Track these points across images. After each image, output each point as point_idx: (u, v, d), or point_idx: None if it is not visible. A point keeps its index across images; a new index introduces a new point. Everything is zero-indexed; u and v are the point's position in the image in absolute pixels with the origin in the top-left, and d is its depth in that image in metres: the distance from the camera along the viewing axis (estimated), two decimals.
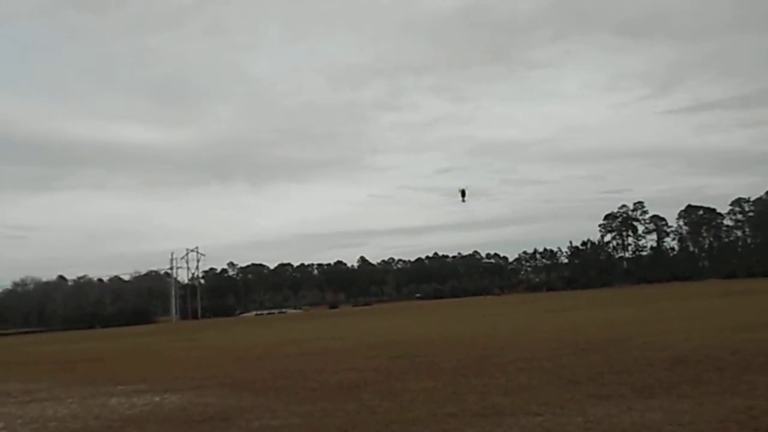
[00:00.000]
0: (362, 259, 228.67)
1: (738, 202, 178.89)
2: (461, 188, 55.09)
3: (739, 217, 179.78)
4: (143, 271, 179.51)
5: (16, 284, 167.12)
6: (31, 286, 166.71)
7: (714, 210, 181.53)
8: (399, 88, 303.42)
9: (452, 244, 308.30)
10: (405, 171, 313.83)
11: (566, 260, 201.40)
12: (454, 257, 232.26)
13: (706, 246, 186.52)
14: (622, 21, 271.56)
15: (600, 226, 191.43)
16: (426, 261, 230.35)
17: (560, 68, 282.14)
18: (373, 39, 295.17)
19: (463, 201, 54.78)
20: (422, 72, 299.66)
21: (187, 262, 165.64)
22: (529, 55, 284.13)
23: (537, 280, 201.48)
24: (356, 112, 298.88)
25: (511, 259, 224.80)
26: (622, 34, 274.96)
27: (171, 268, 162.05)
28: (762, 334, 24.46)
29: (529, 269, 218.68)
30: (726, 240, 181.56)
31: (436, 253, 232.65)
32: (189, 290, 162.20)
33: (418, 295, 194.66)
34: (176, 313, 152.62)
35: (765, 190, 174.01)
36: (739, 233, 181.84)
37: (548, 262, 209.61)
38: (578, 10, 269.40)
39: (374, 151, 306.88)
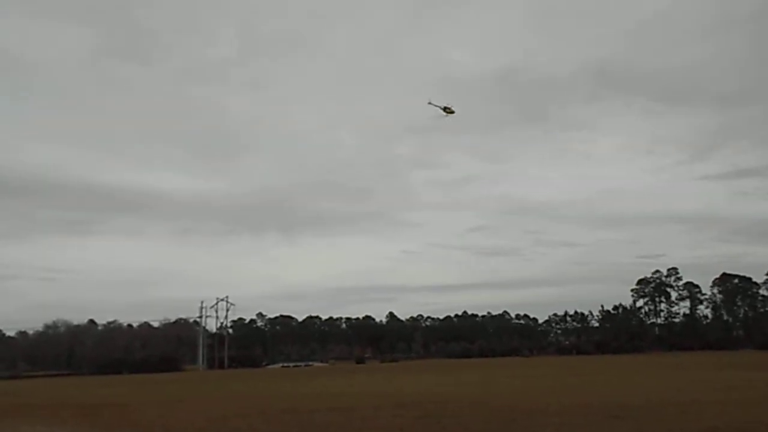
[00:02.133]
0: (391, 315, 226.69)
1: None
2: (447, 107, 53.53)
3: None
4: (173, 319, 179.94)
5: (47, 326, 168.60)
6: (62, 329, 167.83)
7: (750, 279, 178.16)
8: (434, 145, 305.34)
9: (482, 303, 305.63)
10: (437, 228, 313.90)
11: (597, 324, 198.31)
12: (483, 316, 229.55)
13: (740, 315, 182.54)
14: (659, 85, 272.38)
15: (632, 290, 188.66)
16: (455, 319, 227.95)
17: (596, 131, 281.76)
18: (410, 96, 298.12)
19: (445, 111, 53.56)
20: (457, 130, 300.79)
21: (216, 311, 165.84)
22: (565, 117, 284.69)
23: (567, 342, 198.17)
24: (391, 169, 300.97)
25: (541, 321, 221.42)
26: (659, 98, 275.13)
27: (200, 317, 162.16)
28: None
29: (559, 331, 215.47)
30: (762, 310, 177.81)
31: (465, 312, 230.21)
32: (217, 339, 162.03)
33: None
34: (203, 362, 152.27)
35: None
36: None
37: (579, 325, 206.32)
38: (614, 73, 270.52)
39: (407, 207, 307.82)
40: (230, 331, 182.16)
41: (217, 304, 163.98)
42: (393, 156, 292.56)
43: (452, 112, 54.83)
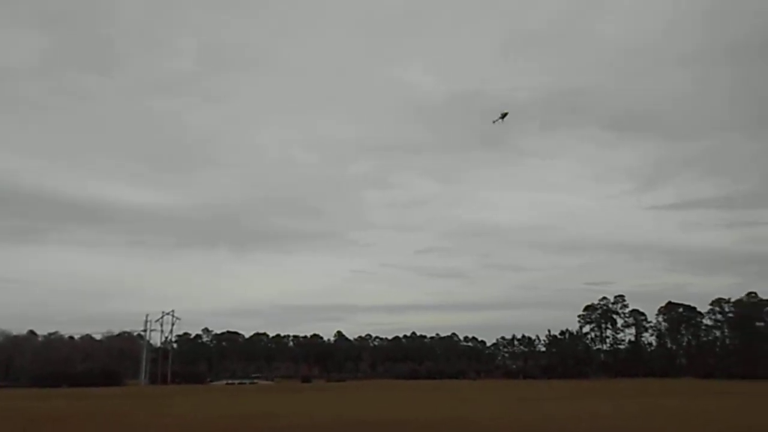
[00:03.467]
0: (339, 334, 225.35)
1: (718, 302, 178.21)
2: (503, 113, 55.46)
3: (719, 317, 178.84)
4: (116, 331, 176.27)
5: None
6: (0, 339, 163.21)
7: (694, 308, 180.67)
8: (388, 166, 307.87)
9: (431, 324, 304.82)
10: (389, 248, 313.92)
11: (544, 348, 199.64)
12: (431, 338, 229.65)
13: (684, 344, 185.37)
14: (612, 116, 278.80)
15: (579, 316, 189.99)
16: (403, 340, 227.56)
17: (549, 158, 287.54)
18: (367, 118, 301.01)
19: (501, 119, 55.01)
20: (413, 152, 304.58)
21: (161, 324, 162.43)
22: (520, 144, 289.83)
23: (514, 366, 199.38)
24: (344, 188, 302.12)
25: (488, 344, 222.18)
26: (611, 128, 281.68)
27: (145, 330, 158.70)
28: None
29: (506, 355, 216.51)
30: (704, 339, 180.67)
31: (414, 333, 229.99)
32: (161, 354, 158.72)
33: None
34: (146, 377, 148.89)
35: (746, 292, 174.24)
36: (718, 333, 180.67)
37: (526, 349, 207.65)
38: (569, 103, 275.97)
39: (360, 226, 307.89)
40: (175, 345, 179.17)
41: (162, 317, 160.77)
42: (347, 175, 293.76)
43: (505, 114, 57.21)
